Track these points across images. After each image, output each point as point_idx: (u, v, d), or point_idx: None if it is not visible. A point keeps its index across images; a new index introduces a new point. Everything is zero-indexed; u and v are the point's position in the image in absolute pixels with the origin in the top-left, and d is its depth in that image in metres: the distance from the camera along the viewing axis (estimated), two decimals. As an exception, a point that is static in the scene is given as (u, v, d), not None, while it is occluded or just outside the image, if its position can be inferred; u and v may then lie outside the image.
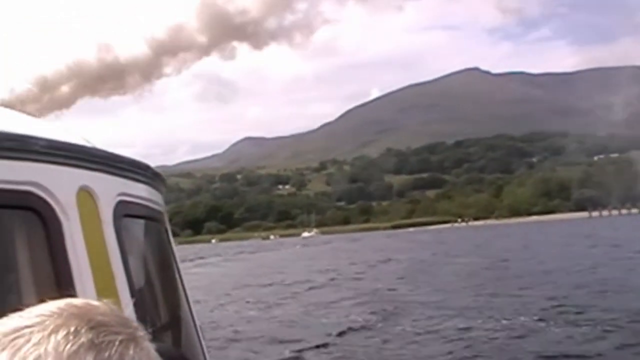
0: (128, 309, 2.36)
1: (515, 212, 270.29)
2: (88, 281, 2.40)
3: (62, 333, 1.00)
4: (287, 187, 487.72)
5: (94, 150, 2.73)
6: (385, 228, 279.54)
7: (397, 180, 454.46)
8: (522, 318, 24.06)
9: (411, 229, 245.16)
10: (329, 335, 23.84)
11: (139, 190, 3.04)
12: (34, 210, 2.33)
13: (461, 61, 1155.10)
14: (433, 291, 34.59)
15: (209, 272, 65.96)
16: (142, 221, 3.22)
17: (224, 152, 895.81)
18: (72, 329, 1.01)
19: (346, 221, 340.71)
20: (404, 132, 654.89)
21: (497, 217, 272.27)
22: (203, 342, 3.61)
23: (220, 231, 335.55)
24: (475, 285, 35.35)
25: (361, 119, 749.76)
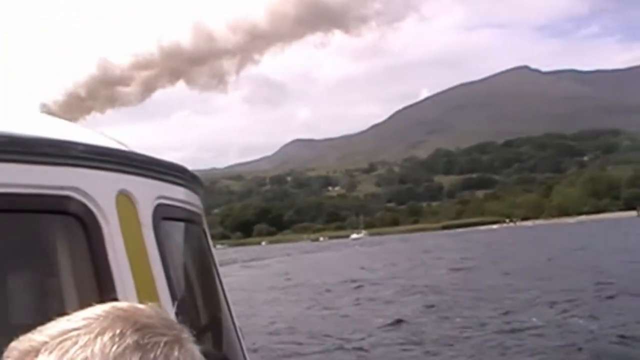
0: (169, 312, 2.22)
1: (564, 212, 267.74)
2: (129, 285, 2.44)
3: (108, 335, 1.03)
4: (336, 188, 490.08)
5: (132, 154, 2.76)
6: (434, 229, 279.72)
7: (446, 181, 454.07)
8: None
9: (460, 230, 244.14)
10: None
11: (177, 193, 3.05)
12: (74, 215, 2.37)
13: (510, 60, 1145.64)
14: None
15: (260, 273, 67.63)
16: (180, 224, 3.23)
17: (274, 155, 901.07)
18: (118, 331, 1.04)
19: (395, 222, 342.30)
20: (454, 132, 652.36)
21: (546, 217, 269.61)
22: (243, 344, 3.62)
23: (270, 233, 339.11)
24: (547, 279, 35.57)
25: (410, 119, 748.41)
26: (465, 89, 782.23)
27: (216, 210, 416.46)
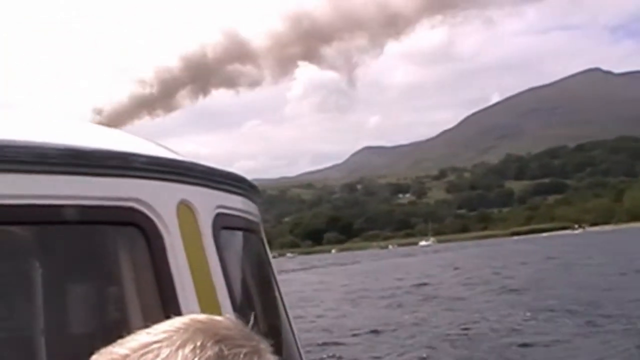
0: None
1: (635, 217, 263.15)
2: (191, 294, 2.48)
3: (189, 347, 1.05)
4: (407, 195, 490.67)
5: (191, 164, 2.79)
6: (503, 235, 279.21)
7: (517, 187, 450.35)
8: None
9: (529, 236, 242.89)
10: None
11: (236, 203, 3.09)
12: (136, 225, 2.43)
13: (582, 62, 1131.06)
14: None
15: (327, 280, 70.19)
16: (239, 233, 3.27)
17: (344, 162, 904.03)
18: (199, 343, 1.06)
19: (464, 229, 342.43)
20: (525, 137, 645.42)
21: (616, 223, 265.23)
22: (302, 353, 3.66)
23: (339, 241, 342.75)
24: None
25: (481, 125, 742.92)
26: (536, 93, 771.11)
27: (287, 219, 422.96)
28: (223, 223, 2.83)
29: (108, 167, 2.37)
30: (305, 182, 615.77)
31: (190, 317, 1.13)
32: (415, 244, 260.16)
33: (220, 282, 2.66)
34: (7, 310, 2.46)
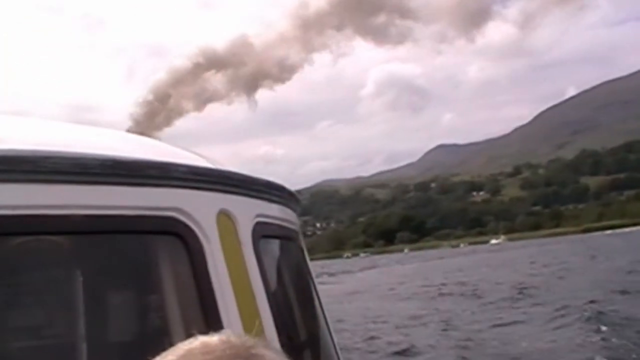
0: (270, 329, 2.64)
1: None
2: (231, 302, 2.50)
3: None
4: (481, 193, 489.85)
5: (231, 173, 2.83)
6: (574, 232, 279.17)
7: (593, 182, 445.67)
8: None
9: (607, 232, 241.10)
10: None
11: (275, 211, 3.12)
12: (177, 235, 2.46)
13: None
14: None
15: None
16: (279, 241, 3.31)
17: (418, 161, 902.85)
18: None
19: (536, 227, 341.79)
20: (600, 132, 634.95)
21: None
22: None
23: (412, 241, 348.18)
24: None
25: (555, 120, 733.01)
26: (612, 86, 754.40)
27: (361, 219, 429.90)
28: (262, 232, 2.86)
29: (148, 177, 2.41)
30: (380, 181, 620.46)
31: (224, 338, 1.13)
32: (486, 242, 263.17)
33: (260, 291, 2.68)
34: (50, 319, 2.50)
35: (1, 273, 2.33)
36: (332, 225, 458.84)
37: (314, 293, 3.64)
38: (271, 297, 2.73)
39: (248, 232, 2.74)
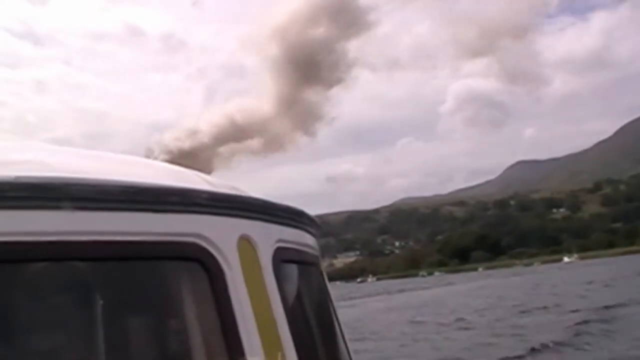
0: (291, 356, 2.63)
1: None
2: (252, 328, 2.52)
3: None
4: (561, 210, 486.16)
5: (251, 199, 2.86)
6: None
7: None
8: None
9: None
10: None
11: (296, 236, 3.15)
12: (197, 260, 2.49)
13: None
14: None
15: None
16: (300, 266, 3.31)
17: (497, 178, 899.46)
18: None
19: (611, 244, 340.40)
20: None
21: None
22: None
23: (486, 259, 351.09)
24: None
25: (638, 133, 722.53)
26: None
27: (439, 237, 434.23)
28: (283, 257, 2.89)
29: (169, 203, 2.43)
30: (458, 198, 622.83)
31: None
32: (559, 260, 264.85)
33: (281, 316, 2.68)
34: (70, 344, 2.50)
35: (23, 299, 2.35)
36: (410, 243, 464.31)
37: (334, 318, 3.64)
38: (292, 322, 2.75)
39: (269, 257, 2.77)
